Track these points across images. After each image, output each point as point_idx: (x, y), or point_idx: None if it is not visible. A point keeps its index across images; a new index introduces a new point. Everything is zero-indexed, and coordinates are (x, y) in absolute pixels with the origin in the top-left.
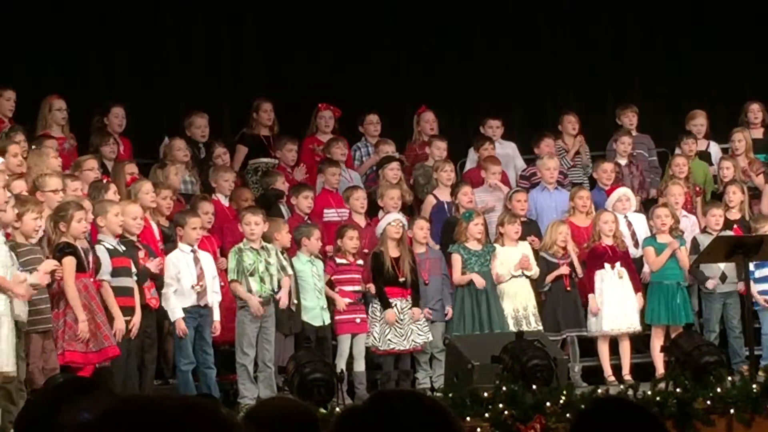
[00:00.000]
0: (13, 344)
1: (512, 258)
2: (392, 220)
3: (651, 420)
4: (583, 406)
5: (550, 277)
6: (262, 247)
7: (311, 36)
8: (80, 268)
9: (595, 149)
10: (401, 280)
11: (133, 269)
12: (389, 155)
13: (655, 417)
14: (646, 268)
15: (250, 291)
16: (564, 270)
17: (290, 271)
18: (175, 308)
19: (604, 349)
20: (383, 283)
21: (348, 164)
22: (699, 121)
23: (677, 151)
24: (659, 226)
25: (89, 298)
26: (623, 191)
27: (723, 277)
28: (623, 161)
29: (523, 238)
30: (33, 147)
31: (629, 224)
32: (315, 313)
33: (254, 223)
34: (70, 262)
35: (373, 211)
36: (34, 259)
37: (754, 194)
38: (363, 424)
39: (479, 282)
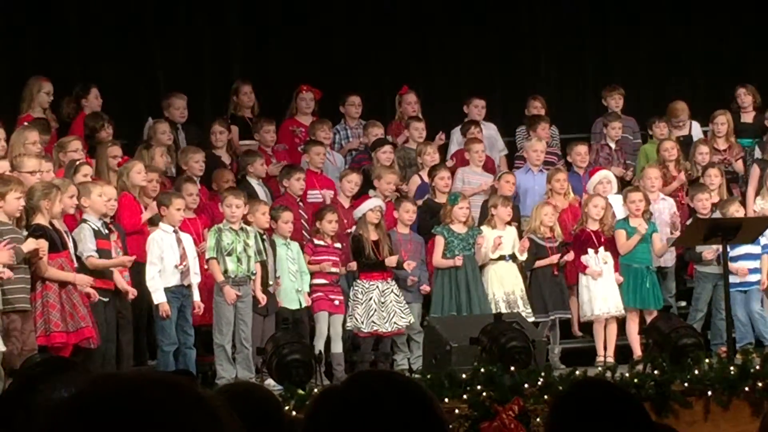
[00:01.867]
0: None
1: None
2: (374, 205)
3: (630, 401)
4: (561, 388)
5: (541, 263)
6: (242, 228)
7: (293, 17)
8: (54, 248)
9: (575, 132)
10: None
11: (113, 252)
12: (381, 138)
13: (634, 398)
14: (619, 251)
15: (226, 270)
16: (554, 259)
17: (265, 257)
18: (158, 290)
19: (599, 332)
20: (364, 265)
21: (330, 147)
22: (679, 107)
23: (650, 133)
24: (633, 210)
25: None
26: (604, 174)
27: (719, 260)
28: (613, 144)
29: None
30: (26, 124)
31: (609, 206)
32: (291, 297)
33: (235, 206)
34: (43, 245)
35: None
36: (15, 239)
37: (732, 178)
38: (341, 404)
39: (459, 262)
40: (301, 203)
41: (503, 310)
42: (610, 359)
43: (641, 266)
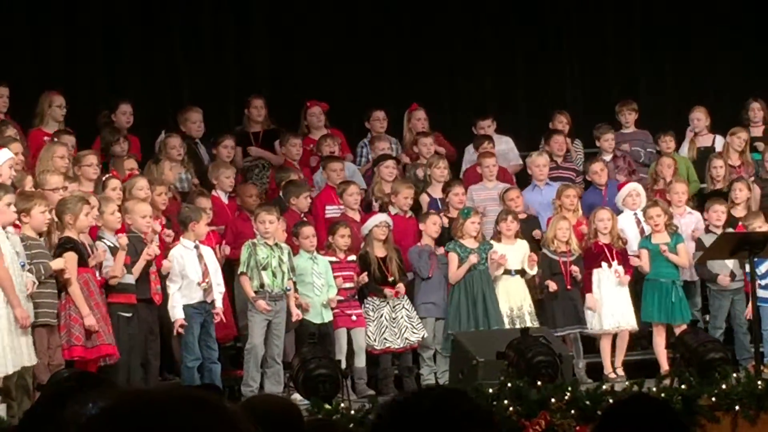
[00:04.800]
0: (11, 343)
1: (509, 255)
2: (379, 221)
3: (674, 416)
4: (588, 402)
5: (552, 286)
6: (276, 244)
7: (317, 32)
8: (81, 263)
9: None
10: (390, 279)
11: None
12: (385, 153)
13: (677, 414)
14: (643, 268)
15: (262, 285)
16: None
17: (293, 276)
18: (176, 307)
19: (606, 346)
20: (372, 281)
21: (344, 153)
22: (696, 116)
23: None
24: (652, 226)
25: (88, 294)
26: (633, 186)
27: (732, 275)
28: (608, 157)
29: (526, 235)
30: (55, 140)
31: (638, 222)
32: (315, 311)
33: (269, 222)
34: (71, 258)
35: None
36: (40, 254)
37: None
38: (410, 416)
39: (474, 258)
40: (303, 219)
41: (507, 326)
42: (620, 371)
43: (667, 281)
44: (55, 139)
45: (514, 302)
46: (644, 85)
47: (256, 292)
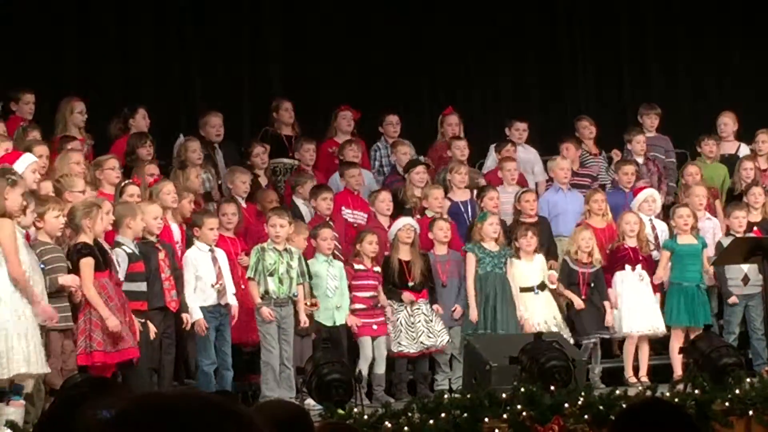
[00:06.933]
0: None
1: (528, 271)
2: (403, 224)
3: (688, 421)
4: (602, 408)
5: (578, 304)
6: (286, 249)
7: (331, 37)
8: (98, 267)
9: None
10: (410, 284)
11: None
12: (416, 159)
13: (691, 418)
14: (658, 272)
15: (267, 291)
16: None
17: (307, 279)
18: (194, 308)
19: (629, 350)
20: (392, 285)
21: (365, 164)
22: (723, 121)
23: (698, 151)
24: (681, 225)
25: (107, 298)
26: (650, 192)
27: (745, 279)
28: (640, 160)
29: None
30: (70, 147)
31: (653, 227)
32: (327, 314)
33: (279, 225)
34: (87, 263)
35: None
36: (56, 258)
37: None
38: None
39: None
40: (330, 221)
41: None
42: (645, 379)
43: (691, 284)
44: (70, 146)
45: (542, 317)
46: (659, 91)
47: (261, 298)
